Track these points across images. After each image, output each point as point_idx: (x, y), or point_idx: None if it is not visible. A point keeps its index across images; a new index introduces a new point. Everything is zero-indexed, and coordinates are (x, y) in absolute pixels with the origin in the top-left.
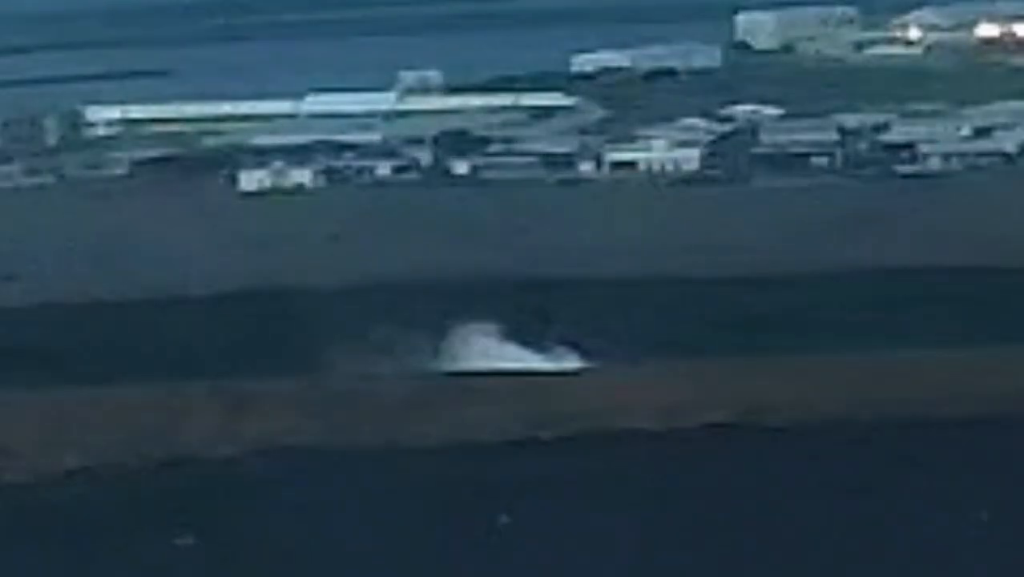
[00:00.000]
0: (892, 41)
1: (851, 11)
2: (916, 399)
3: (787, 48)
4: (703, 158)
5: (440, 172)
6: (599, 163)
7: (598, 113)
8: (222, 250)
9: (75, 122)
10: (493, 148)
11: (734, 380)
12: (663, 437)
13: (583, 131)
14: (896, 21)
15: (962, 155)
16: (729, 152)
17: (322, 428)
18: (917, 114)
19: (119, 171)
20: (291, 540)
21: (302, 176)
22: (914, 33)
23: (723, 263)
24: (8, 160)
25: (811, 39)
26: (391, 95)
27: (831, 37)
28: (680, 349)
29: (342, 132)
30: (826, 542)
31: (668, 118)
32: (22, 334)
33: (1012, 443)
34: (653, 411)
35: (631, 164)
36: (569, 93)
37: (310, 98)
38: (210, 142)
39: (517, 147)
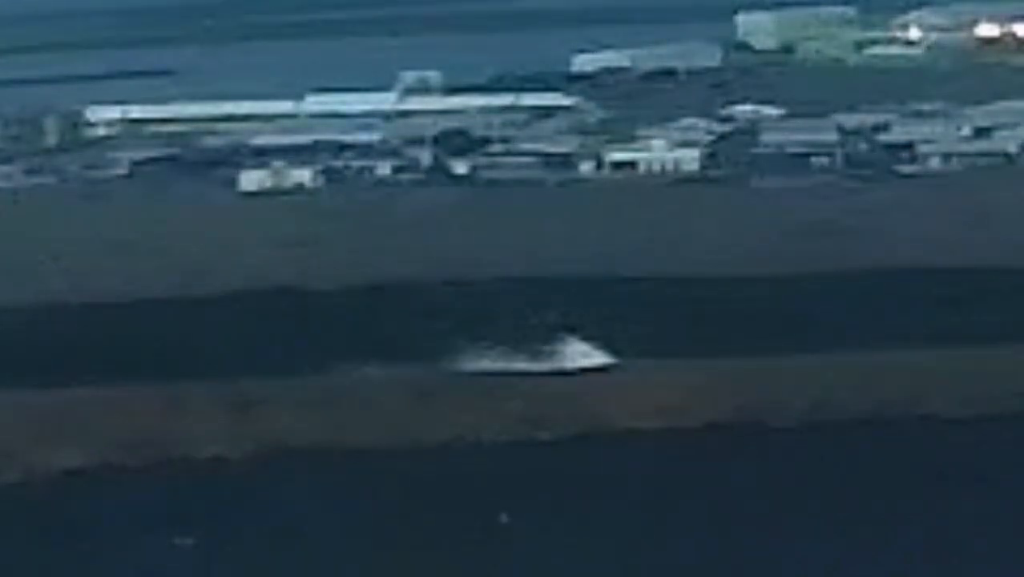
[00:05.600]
0: (892, 41)
1: (851, 11)
2: (917, 399)
3: (787, 48)
4: (703, 158)
5: (440, 172)
6: (599, 163)
7: (598, 113)
8: (222, 250)
9: (75, 122)
10: (493, 148)
11: (734, 380)
12: (663, 437)
13: (583, 131)
14: (896, 21)
15: (962, 155)
16: (729, 152)
17: (323, 428)
18: (917, 114)
19: (119, 171)
20: (291, 540)
21: (302, 176)
22: (914, 33)
23: (723, 263)
24: (8, 160)
25: (811, 39)
26: (391, 95)
27: (831, 37)
28: (680, 349)
29: (342, 132)
30: (826, 541)
31: (668, 118)
32: (22, 334)
33: (1012, 442)
34: (653, 411)
35: (631, 164)
36: (569, 93)
37: (310, 98)
38: (210, 142)
39: (517, 147)
